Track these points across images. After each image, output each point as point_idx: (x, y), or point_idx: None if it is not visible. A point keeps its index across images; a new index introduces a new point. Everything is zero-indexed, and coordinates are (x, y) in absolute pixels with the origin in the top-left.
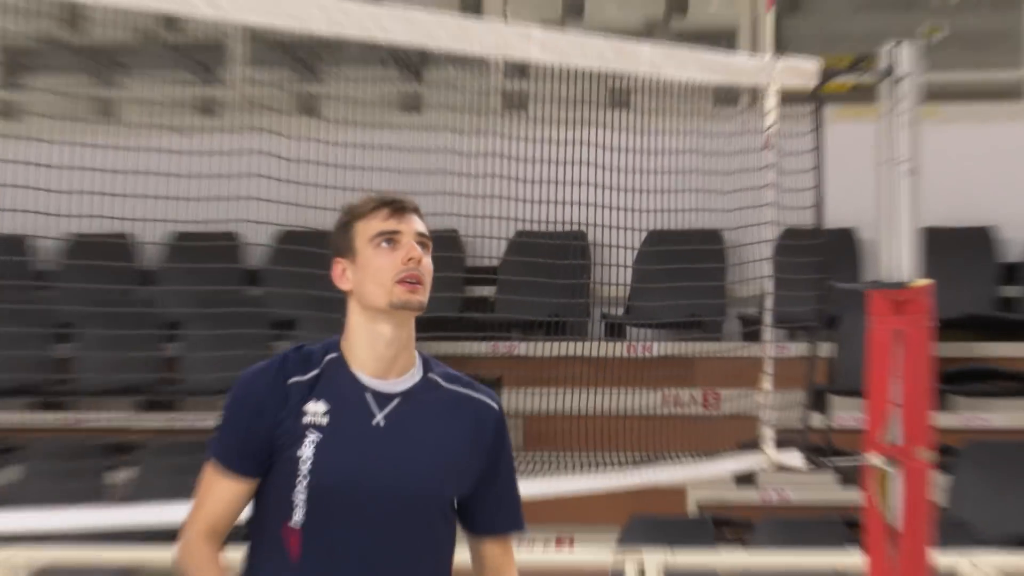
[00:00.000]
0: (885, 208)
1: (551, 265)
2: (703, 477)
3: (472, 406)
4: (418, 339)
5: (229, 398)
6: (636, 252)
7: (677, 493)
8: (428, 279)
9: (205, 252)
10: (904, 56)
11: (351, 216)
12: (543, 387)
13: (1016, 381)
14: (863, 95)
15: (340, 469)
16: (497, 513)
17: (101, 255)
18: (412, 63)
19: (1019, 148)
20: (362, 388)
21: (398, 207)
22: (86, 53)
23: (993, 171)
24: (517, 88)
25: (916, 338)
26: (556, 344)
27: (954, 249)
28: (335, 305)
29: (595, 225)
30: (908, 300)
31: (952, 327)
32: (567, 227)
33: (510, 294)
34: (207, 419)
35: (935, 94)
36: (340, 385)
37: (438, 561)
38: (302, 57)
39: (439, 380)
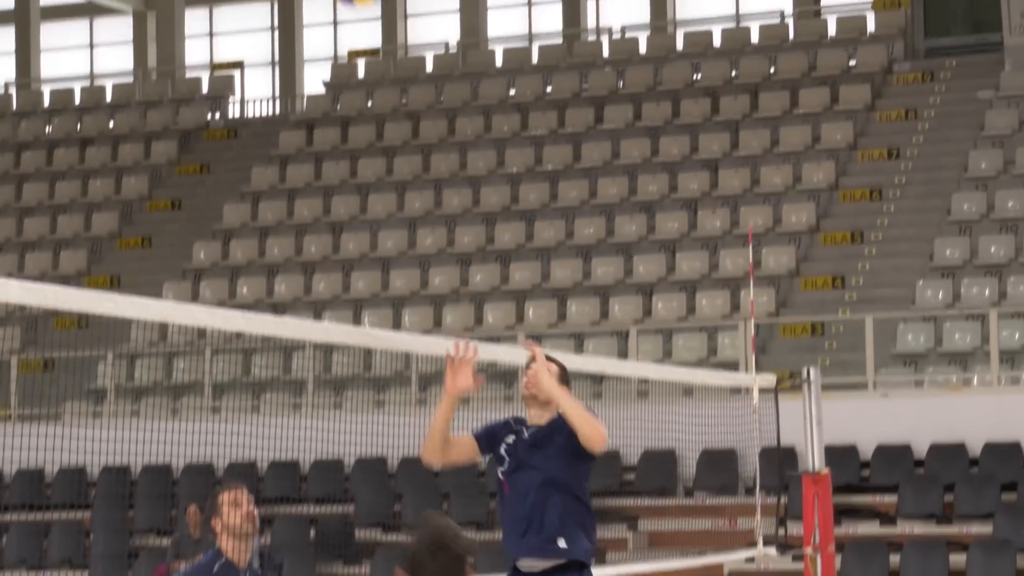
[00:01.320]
0: (809, 440)
1: None
2: (732, 560)
3: (554, 425)
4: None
5: (494, 421)
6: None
7: (719, 567)
8: (541, 386)
9: None
10: (812, 374)
11: None
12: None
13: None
14: (796, 386)
15: (513, 454)
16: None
17: None
18: None
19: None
20: (525, 428)
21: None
22: None
23: (854, 424)
24: None
25: (823, 495)
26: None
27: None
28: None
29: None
30: (820, 479)
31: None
32: None
33: None
34: None
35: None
36: (520, 429)
37: (552, 498)
38: None
39: (549, 423)
